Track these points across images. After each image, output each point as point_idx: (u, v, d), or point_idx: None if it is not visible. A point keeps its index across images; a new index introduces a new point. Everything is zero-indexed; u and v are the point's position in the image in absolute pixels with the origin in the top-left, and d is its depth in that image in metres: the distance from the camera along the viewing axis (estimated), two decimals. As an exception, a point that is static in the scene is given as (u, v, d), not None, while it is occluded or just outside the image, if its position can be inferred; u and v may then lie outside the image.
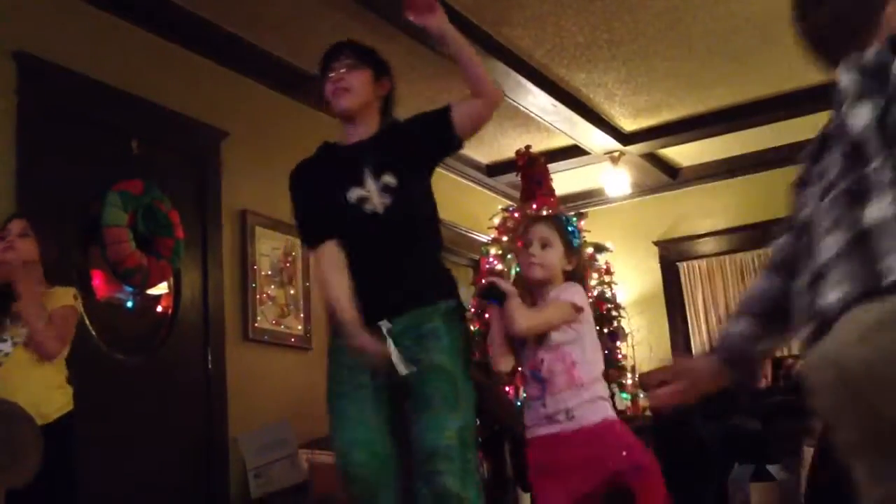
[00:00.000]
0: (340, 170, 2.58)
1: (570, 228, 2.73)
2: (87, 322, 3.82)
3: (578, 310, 2.54)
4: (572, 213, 6.13)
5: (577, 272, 2.69)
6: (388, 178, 2.52)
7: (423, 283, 2.52)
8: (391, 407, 2.49)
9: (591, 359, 2.57)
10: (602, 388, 2.57)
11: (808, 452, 3.05)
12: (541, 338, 2.55)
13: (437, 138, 2.62)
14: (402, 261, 2.51)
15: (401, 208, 2.51)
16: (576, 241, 2.70)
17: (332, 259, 2.53)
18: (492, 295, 2.57)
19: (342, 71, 2.57)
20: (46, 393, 2.90)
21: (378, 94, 2.66)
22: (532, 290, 2.68)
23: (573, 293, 2.58)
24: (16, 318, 2.99)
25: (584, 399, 2.50)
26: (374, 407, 2.47)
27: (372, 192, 2.51)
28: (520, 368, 2.65)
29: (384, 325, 2.44)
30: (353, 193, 2.51)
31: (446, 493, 2.35)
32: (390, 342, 2.42)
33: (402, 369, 2.40)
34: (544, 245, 2.64)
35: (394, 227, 2.51)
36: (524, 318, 2.51)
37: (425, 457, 2.38)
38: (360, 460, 2.42)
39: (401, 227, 2.51)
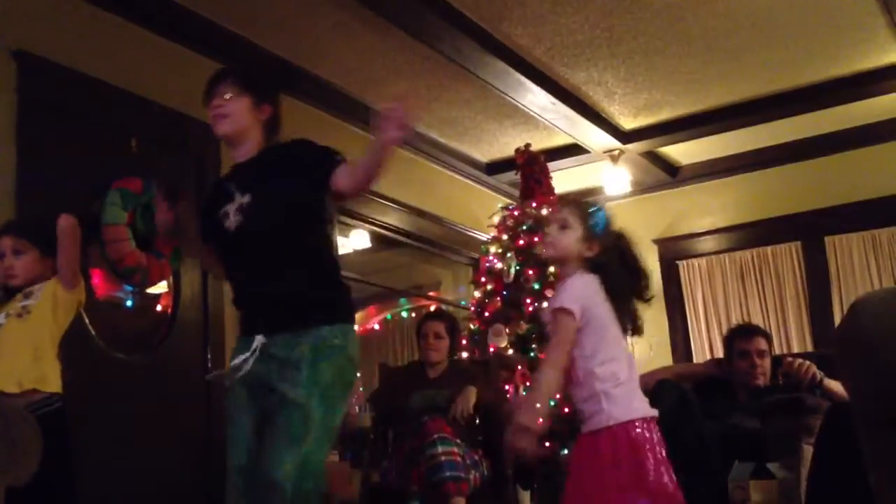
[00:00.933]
0: (219, 189, 2.76)
1: (595, 215, 2.63)
2: (87, 321, 3.82)
3: (563, 311, 2.49)
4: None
5: (603, 260, 2.60)
6: (245, 198, 2.63)
7: (292, 306, 2.55)
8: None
9: (588, 353, 2.51)
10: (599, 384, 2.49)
11: (808, 451, 3.05)
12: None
13: (310, 168, 2.64)
14: (268, 280, 2.59)
15: (251, 227, 2.60)
16: (599, 229, 2.61)
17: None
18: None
19: (222, 98, 2.71)
20: (33, 364, 2.90)
21: (258, 118, 2.75)
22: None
23: (561, 298, 2.54)
24: (7, 289, 3.04)
25: (583, 396, 2.50)
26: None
27: (230, 210, 2.65)
28: None
29: (258, 340, 2.54)
30: (221, 210, 2.67)
31: None
32: (242, 357, 2.53)
33: (238, 371, 2.54)
34: (562, 227, 2.62)
35: (247, 244, 2.62)
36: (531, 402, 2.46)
37: (260, 484, 2.47)
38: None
39: (255, 246, 2.60)
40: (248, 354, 2.54)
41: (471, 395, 4.13)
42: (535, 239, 5.70)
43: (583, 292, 2.54)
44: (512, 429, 2.34)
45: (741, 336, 4.05)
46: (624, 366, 2.53)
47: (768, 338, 4.05)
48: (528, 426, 2.32)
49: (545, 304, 2.71)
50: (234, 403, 2.63)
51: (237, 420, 2.61)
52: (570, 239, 2.59)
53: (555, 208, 2.82)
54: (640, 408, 2.50)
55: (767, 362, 3.93)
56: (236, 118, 2.72)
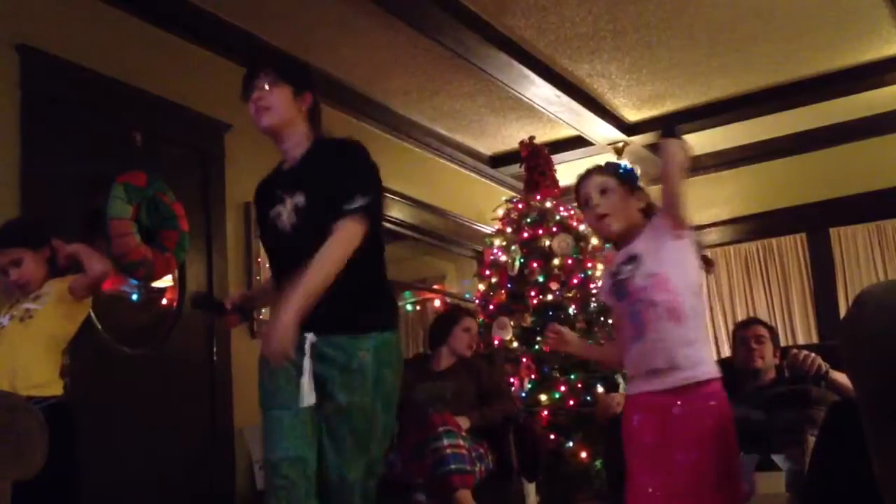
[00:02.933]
0: (271, 188, 2.69)
1: (622, 167, 2.56)
2: (93, 315, 3.82)
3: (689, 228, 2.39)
4: (576, 203, 6.12)
5: (652, 208, 2.51)
6: (299, 198, 2.57)
7: (346, 308, 2.51)
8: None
9: (698, 289, 2.43)
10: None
11: (812, 442, 3.05)
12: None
13: (336, 180, 2.57)
14: None
15: (307, 229, 2.53)
16: (635, 178, 2.54)
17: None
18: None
19: (261, 90, 2.63)
20: (34, 369, 2.90)
21: (300, 108, 2.68)
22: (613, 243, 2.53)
23: (676, 222, 2.41)
24: (24, 292, 3.04)
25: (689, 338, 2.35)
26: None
27: (285, 211, 2.59)
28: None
29: (309, 338, 2.47)
30: (274, 210, 2.62)
31: None
32: (306, 366, 2.45)
33: (307, 399, 2.45)
34: (602, 192, 2.48)
35: (302, 246, 2.50)
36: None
37: (331, 487, 2.49)
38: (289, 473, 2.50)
39: (309, 248, 2.48)
40: (306, 354, 2.47)
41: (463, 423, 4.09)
42: (540, 231, 5.70)
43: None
44: None
45: (741, 327, 4.09)
46: None
47: (769, 328, 4.05)
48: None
49: (630, 251, 2.48)
50: (281, 394, 2.54)
51: (284, 411, 2.52)
52: (621, 198, 2.49)
53: (578, 187, 2.58)
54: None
55: (766, 348, 3.92)
56: (279, 109, 2.63)
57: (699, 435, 2.28)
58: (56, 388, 2.95)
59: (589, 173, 2.54)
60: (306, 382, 2.45)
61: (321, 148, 2.68)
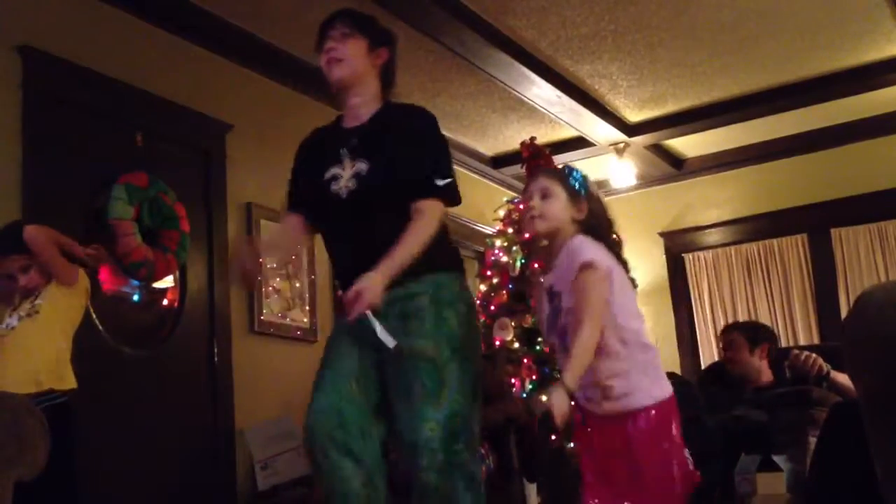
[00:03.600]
0: (329, 145, 2.57)
1: (573, 175, 2.44)
2: (94, 315, 3.83)
3: (590, 266, 2.26)
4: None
5: (592, 222, 2.42)
6: (361, 165, 2.47)
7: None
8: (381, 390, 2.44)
9: (621, 321, 2.32)
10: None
11: (814, 442, 3.05)
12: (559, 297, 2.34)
13: (413, 155, 2.49)
14: (374, 238, 2.40)
15: (365, 198, 2.45)
16: (582, 189, 2.42)
17: (286, 222, 2.67)
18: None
19: (336, 40, 2.53)
20: (52, 362, 2.93)
21: (374, 63, 2.58)
22: (540, 250, 2.47)
23: (582, 249, 2.31)
24: (28, 293, 3.07)
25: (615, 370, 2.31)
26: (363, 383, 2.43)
27: (343, 175, 2.48)
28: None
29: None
30: (329, 172, 2.51)
31: (426, 488, 2.31)
32: (371, 316, 2.29)
33: (389, 342, 2.29)
34: (544, 195, 2.42)
35: (356, 211, 2.45)
36: (580, 366, 2.21)
37: (406, 451, 2.35)
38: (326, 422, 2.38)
39: (367, 213, 2.44)
40: (370, 315, 2.29)
41: None
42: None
43: (596, 249, 2.34)
44: (553, 386, 2.19)
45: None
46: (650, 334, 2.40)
47: (747, 329, 4.17)
48: (570, 388, 2.15)
49: (551, 279, 2.41)
50: (330, 356, 2.47)
51: (326, 370, 2.44)
52: (558, 206, 2.41)
53: (528, 183, 2.54)
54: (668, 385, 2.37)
55: (740, 353, 4.03)
56: (352, 62, 2.52)
57: (633, 469, 2.30)
58: (72, 380, 2.99)
59: (539, 174, 2.54)
60: (379, 330, 2.28)
61: (392, 114, 2.58)
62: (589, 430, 2.41)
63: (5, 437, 2.40)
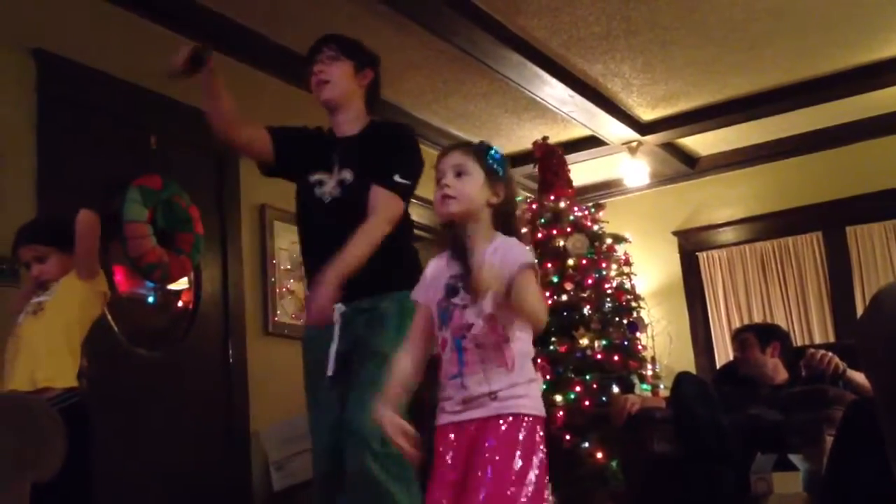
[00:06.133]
0: (319, 151, 2.77)
1: (491, 153, 2.18)
2: (109, 317, 3.85)
3: (534, 269, 2.01)
4: (590, 203, 6.11)
5: (506, 208, 2.15)
6: (346, 174, 2.68)
7: (371, 275, 2.57)
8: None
9: (525, 334, 2.08)
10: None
11: (830, 441, 3.04)
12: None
13: (383, 161, 2.71)
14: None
15: (346, 204, 2.64)
16: (500, 169, 2.16)
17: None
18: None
19: (323, 63, 2.74)
20: (46, 360, 2.92)
21: (360, 83, 2.79)
22: (450, 233, 2.14)
23: (521, 250, 2.05)
24: (40, 285, 3.07)
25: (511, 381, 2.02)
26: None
27: (328, 181, 2.70)
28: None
29: (338, 308, 2.57)
30: (315, 176, 2.72)
31: (361, 473, 2.46)
32: (336, 336, 2.57)
33: (329, 369, 2.56)
34: (458, 173, 2.11)
35: (337, 218, 2.64)
36: (538, 302, 1.98)
37: (349, 436, 2.50)
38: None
39: (344, 221, 2.60)
40: (337, 332, 2.58)
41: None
42: (554, 232, 5.69)
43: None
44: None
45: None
46: None
47: (757, 330, 4.20)
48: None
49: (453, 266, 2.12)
50: (316, 389, 2.71)
51: (323, 406, 2.68)
52: (474, 186, 2.11)
53: (439, 159, 2.18)
54: None
55: (751, 351, 4.03)
56: (338, 83, 2.75)
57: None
58: (70, 379, 2.95)
59: (452, 149, 2.21)
60: (332, 352, 2.56)
61: (377, 131, 2.79)
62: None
63: (21, 438, 2.42)
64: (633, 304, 5.83)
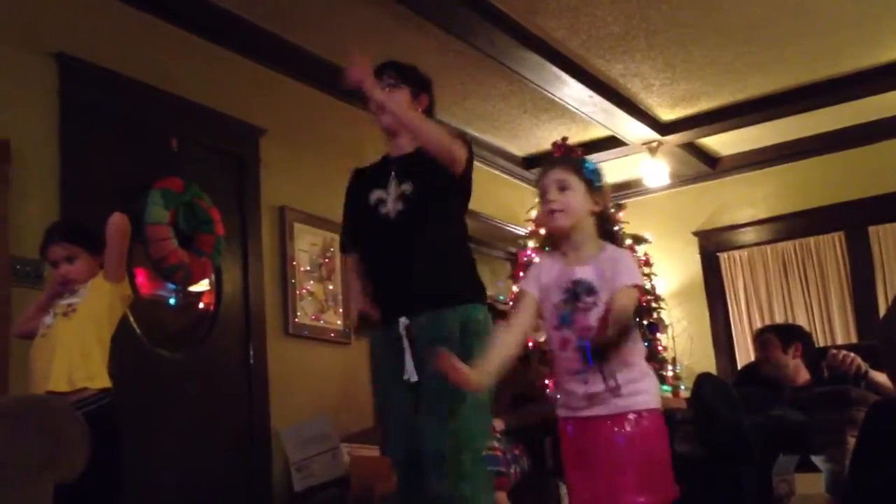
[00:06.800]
0: (374, 174, 2.86)
1: (587, 166, 2.38)
2: (131, 319, 3.88)
3: (640, 289, 2.25)
4: (610, 204, 6.09)
5: (606, 214, 2.39)
6: (406, 186, 2.74)
7: (437, 287, 2.67)
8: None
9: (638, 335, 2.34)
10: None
11: (853, 443, 3.02)
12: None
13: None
14: (415, 264, 2.68)
15: (412, 216, 2.70)
16: (597, 181, 2.36)
17: (352, 270, 2.95)
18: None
19: (383, 89, 2.84)
20: (82, 361, 2.94)
21: (416, 108, 2.87)
22: (559, 244, 2.37)
23: (631, 266, 2.27)
24: (66, 284, 3.08)
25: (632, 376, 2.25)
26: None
27: (389, 197, 2.75)
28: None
29: (402, 321, 2.64)
30: (374, 195, 2.78)
31: (437, 495, 2.55)
32: (406, 346, 2.63)
33: (411, 376, 2.62)
34: (562, 188, 2.32)
35: (403, 232, 2.70)
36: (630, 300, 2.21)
37: (435, 467, 2.58)
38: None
39: (411, 234, 2.69)
40: (406, 342, 2.64)
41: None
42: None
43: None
44: None
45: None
46: None
47: (778, 330, 4.22)
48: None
49: (585, 274, 2.29)
50: (386, 393, 2.79)
51: (393, 410, 2.75)
52: (577, 198, 2.32)
53: (541, 176, 2.40)
54: None
55: (772, 352, 4.04)
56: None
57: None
58: (105, 380, 2.99)
59: (552, 165, 2.43)
60: (408, 359, 2.63)
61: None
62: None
63: (42, 439, 2.44)
64: (654, 304, 5.82)
